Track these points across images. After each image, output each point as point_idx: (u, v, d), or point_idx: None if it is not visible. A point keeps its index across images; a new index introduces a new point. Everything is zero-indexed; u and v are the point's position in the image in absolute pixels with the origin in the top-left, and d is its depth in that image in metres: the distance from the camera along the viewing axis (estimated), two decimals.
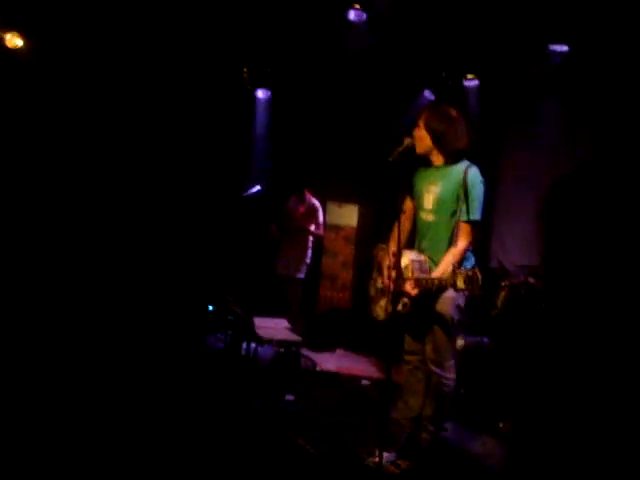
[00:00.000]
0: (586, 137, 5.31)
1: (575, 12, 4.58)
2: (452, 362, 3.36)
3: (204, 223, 6.17)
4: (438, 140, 3.26)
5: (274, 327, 4.29)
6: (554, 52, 5.07)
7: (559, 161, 5.33)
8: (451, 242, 3.26)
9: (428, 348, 3.34)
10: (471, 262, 3.29)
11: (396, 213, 3.38)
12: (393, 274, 3.17)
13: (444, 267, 3.14)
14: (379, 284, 3.48)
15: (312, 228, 6.04)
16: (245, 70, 6.35)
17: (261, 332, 4.05)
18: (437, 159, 3.32)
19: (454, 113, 3.27)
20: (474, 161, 3.34)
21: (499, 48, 5.34)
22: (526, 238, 5.27)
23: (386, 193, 3.43)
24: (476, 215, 3.19)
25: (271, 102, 6.64)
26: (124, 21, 5.25)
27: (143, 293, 5.30)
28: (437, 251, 3.30)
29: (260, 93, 6.56)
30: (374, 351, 5.34)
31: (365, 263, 7.29)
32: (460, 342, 4.13)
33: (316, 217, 6.07)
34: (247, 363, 4.43)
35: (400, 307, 3.24)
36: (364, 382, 4.69)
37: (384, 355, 3.31)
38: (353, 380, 4.72)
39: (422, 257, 3.32)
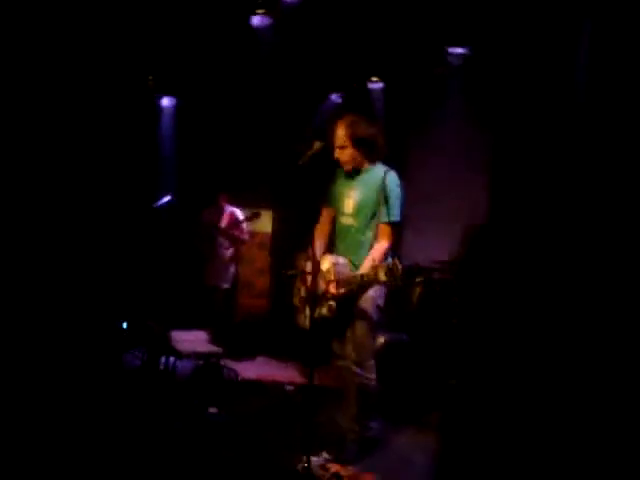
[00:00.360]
0: (487, 136, 5.56)
1: (474, 15, 4.78)
2: (372, 362, 3.44)
3: (114, 236, 5.92)
4: (367, 148, 3.38)
5: (193, 340, 4.18)
6: (454, 54, 5.27)
7: (462, 160, 5.56)
8: (371, 244, 3.36)
9: (348, 348, 3.40)
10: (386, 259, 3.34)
11: (313, 219, 3.44)
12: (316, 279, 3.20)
13: (367, 264, 3.23)
14: (303, 293, 3.49)
15: (238, 235, 6.02)
16: (150, 78, 6.17)
17: (179, 346, 3.93)
18: (360, 165, 3.43)
19: (370, 121, 3.45)
20: (388, 164, 3.46)
21: (402, 51, 5.48)
22: (439, 236, 5.43)
23: (299, 198, 3.46)
24: (396, 217, 3.33)
25: (177, 109, 6.48)
26: (25, 22, 4.95)
27: (47, 311, 5.00)
28: (358, 254, 3.39)
29: (165, 100, 6.40)
30: (295, 356, 5.32)
31: (281, 269, 7.35)
32: (380, 340, 4.21)
33: (239, 225, 6.01)
34: (166, 379, 4.29)
35: (325, 311, 3.29)
36: (288, 387, 4.66)
37: (307, 359, 3.33)
38: (277, 386, 4.68)
39: (342, 260, 3.40)
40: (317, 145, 3.25)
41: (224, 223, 5.99)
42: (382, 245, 3.31)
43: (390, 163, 3.53)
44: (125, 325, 4.79)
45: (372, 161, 3.44)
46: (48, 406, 3.77)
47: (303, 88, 6.42)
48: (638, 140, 3.69)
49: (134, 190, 6.06)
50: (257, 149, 6.99)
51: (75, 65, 5.48)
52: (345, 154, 3.41)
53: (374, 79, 6.05)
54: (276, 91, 6.41)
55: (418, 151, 6.07)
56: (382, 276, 2.98)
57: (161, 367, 4.34)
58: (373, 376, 3.42)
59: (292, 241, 6.32)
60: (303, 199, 4.75)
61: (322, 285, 3.33)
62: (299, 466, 3.15)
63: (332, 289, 3.26)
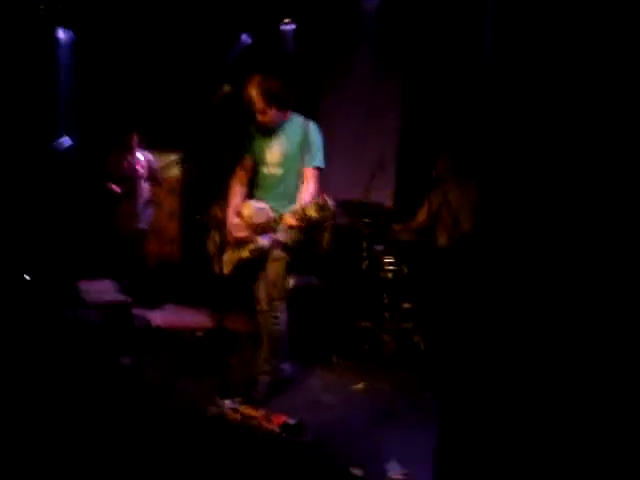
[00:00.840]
0: (397, 80, 5.64)
1: None
2: (283, 303, 3.53)
3: (10, 182, 5.54)
4: (282, 103, 3.45)
5: (100, 290, 4.06)
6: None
7: (373, 102, 5.61)
8: (294, 192, 3.46)
9: (261, 286, 3.48)
10: None
11: (223, 163, 3.44)
12: (237, 221, 3.41)
13: (297, 205, 3.31)
14: (217, 239, 3.50)
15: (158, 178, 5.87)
16: (42, 7, 5.68)
17: (86, 296, 3.82)
18: (280, 119, 3.49)
19: (274, 75, 3.47)
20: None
21: None
22: (346, 176, 5.47)
23: (209, 142, 3.43)
24: (321, 162, 3.47)
25: (75, 43, 6.04)
26: None
27: None
28: (282, 201, 3.47)
29: (61, 33, 5.93)
30: (205, 303, 5.29)
31: (191, 214, 7.21)
32: (291, 282, 4.27)
33: (151, 166, 5.82)
34: (75, 329, 4.16)
35: (247, 253, 3.39)
36: (198, 333, 4.66)
37: (218, 304, 3.36)
38: (187, 333, 4.67)
39: (264, 205, 3.46)
40: (226, 88, 3.23)
41: (142, 165, 5.75)
42: (312, 188, 3.41)
43: (301, 108, 3.59)
44: (28, 277, 4.55)
45: (287, 112, 3.52)
46: None
47: (214, 27, 6.18)
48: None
49: (30, 131, 5.67)
50: (166, 88, 6.70)
51: None
52: (268, 116, 3.46)
53: (286, 20, 5.90)
54: (188, 30, 6.15)
55: (329, 96, 6.06)
56: (313, 213, 3.07)
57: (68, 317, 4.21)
58: (283, 315, 3.52)
59: (202, 185, 6.25)
60: (213, 143, 4.66)
61: (240, 232, 3.41)
62: (211, 410, 3.21)
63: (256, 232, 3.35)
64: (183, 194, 7.44)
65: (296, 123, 3.52)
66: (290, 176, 3.51)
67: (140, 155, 5.81)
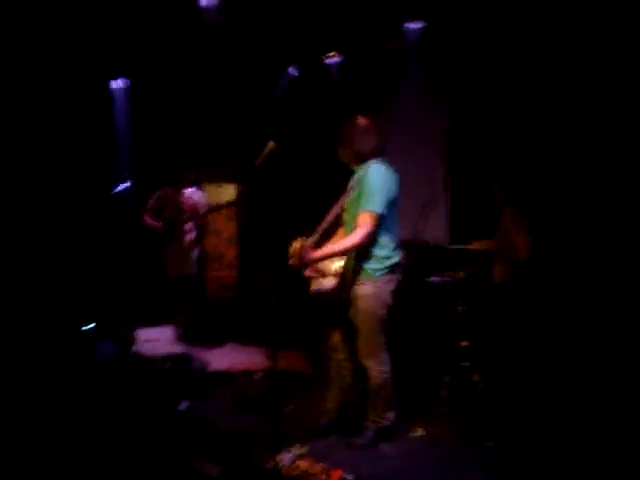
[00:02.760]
0: (443, 106, 5.57)
1: None
2: (385, 355, 3.54)
3: (75, 230, 5.77)
4: (345, 147, 3.56)
5: (159, 339, 4.17)
6: (409, 29, 5.20)
7: (419, 133, 5.55)
8: None
9: (359, 343, 3.53)
10: (385, 251, 3.47)
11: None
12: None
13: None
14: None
15: (201, 220, 5.85)
16: (100, 59, 5.91)
17: (144, 348, 3.93)
18: (353, 164, 3.59)
19: (361, 121, 3.55)
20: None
21: (359, 26, 5.38)
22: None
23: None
24: (370, 206, 3.38)
25: (131, 91, 6.27)
26: None
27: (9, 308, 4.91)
28: None
29: (117, 83, 6.17)
30: (262, 340, 5.34)
31: (248, 239, 7.38)
32: None
33: (201, 207, 5.79)
34: (136, 373, 4.28)
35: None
36: (256, 376, 4.69)
37: (272, 343, 3.36)
38: (246, 376, 4.70)
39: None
40: (270, 145, 3.24)
41: (187, 207, 5.72)
42: (352, 234, 3.41)
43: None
44: (92, 327, 4.72)
45: (363, 160, 3.54)
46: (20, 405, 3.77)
47: (261, 62, 6.29)
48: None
49: (92, 179, 5.90)
50: (217, 124, 6.89)
51: (23, 54, 5.25)
52: (339, 152, 3.61)
53: (331, 54, 5.94)
54: (234, 67, 6.28)
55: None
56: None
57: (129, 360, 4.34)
58: (386, 368, 3.53)
59: (258, 212, 6.37)
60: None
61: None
62: (268, 464, 3.22)
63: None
64: (240, 221, 7.62)
65: (364, 171, 3.51)
66: (350, 223, 3.51)
67: (188, 195, 5.79)
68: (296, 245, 3.48)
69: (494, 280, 4.50)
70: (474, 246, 4.44)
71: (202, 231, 6.12)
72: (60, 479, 3.12)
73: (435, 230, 4.97)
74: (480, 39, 4.88)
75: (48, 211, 5.57)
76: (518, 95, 4.63)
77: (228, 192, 7.62)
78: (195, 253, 5.87)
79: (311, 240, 3.49)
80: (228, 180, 7.57)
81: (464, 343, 4.32)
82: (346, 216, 3.58)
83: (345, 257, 3.51)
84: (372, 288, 3.46)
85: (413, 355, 4.44)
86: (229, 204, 7.21)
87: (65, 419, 3.74)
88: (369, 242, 3.42)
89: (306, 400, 4.25)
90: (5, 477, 3.08)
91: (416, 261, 4.57)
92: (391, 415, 3.61)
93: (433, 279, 4.68)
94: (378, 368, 3.52)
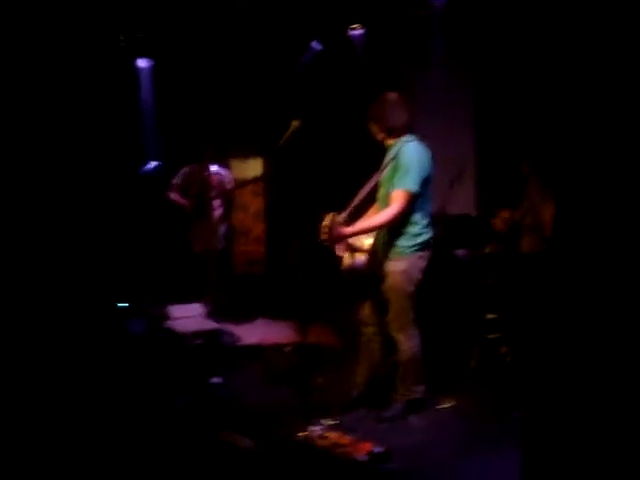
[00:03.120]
0: (469, 77, 5.48)
1: None
2: (414, 330, 3.59)
3: (106, 210, 5.88)
4: (376, 123, 3.57)
5: (189, 315, 4.26)
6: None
7: (445, 106, 5.47)
8: None
9: (389, 317, 3.59)
10: (417, 228, 3.50)
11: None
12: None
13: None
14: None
15: (226, 196, 5.89)
16: (122, 38, 5.95)
17: (176, 325, 4.02)
18: (384, 139, 3.60)
19: (391, 97, 3.59)
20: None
21: None
22: None
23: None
24: (404, 185, 3.39)
25: (154, 71, 6.29)
26: None
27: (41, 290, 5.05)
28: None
29: (141, 62, 6.19)
30: (291, 315, 5.42)
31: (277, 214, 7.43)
32: None
33: (225, 184, 5.85)
34: (169, 350, 4.39)
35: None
36: (287, 349, 4.76)
37: (301, 316, 3.42)
38: (276, 349, 4.79)
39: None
40: (294, 124, 3.25)
41: (214, 183, 5.78)
42: (389, 209, 3.43)
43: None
44: (124, 305, 4.84)
45: (396, 136, 3.55)
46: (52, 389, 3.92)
47: (283, 36, 6.24)
48: None
49: (121, 159, 5.98)
50: (241, 100, 6.89)
51: (49, 32, 5.30)
52: (371, 129, 3.62)
53: (354, 26, 5.86)
54: (256, 41, 6.25)
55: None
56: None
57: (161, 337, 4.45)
58: (415, 342, 3.58)
59: (285, 188, 6.40)
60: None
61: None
62: (299, 436, 3.29)
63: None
64: (267, 196, 7.65)
65: (396, 147, 3.53)
66: (385, 197, 3.53)
67: (214, 171, 5.83)
68: (327, 220, 3.48)
69: (522, 251, 4.47)
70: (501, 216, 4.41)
71: (229, 206, 6.18)
72: (95, 454, 3.24)
73: (463, 204, 4.93)
74: (506, 10, 4.76)
75: (79, 192, 5.67)
76: (544, 68, 4.52)
77: (254, 167, 7.65)
78: (222, 229, 5.93)
79: (342, 216, 3.51)
80: (254, 155, 7.59)
81: (491, 315, 4.33)
82: (380, 192, 3.60)
83: (376, 233, 3.55)
84: (403, 265, 3.49)
85: (441, 328, 4.46)
86: (256, 179, 7.22)
87: (101, 394, 3.88)
88: (402, 219, 3.44)
89: (335, 373, 4.32)
90: (40, 449, 3.21)
91: (444, 234, 4.54)
92: (420, 388, 3.65)
93: (461, 252, 4.70)
94: (407, 342, 3.57)
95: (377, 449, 3.13)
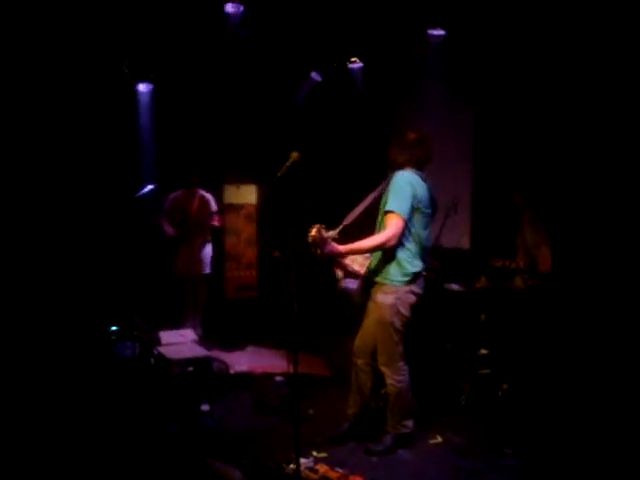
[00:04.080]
0: (467, 112, 5.57)
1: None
2: (401, 364, 3.57)
3: (100, 232, 5.87)
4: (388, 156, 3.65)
5: (181, 342, 4.22)
6: (432, 35, 5.20)
7: (442, 138, 5.54)
8: None
9: (377, 350, 3.59)
10: (407, 257, 3.50)
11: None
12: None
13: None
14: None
15: (209, 221, 5.85)
16: (125, 63, 6.01)
17: (168, 351, 3.99)
18: (388, 170, 3.64)
19: (401, 134, 3.64)
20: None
21: (381, 31, 5.40)
22: None
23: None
24: (391, 206, 3.43)
25: (154, 95, 6.35)
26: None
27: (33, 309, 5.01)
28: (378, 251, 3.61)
29: (142, 87, 6.26)
30: (282, 343, 5.38)
31: (268, 240, 7.44)
32: None
33: (209, 208, 5.87)
34: (157, 375, 4.34)
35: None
36: (278, 379, 4.74)
37: (293, 345, 3.38)
38: (267, 378, 4.75)
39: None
40: (294, 156, 3.25)
41: (194, 208, 5.82)
42: (378, 234, 3.48)
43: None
44: (115, 328, 4.80)
45: (393, 170, 3.58)
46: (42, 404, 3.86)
47: (283, 67, 6.34)
48: None
49: (116, 182, 5.99)
50: (239, 128, 6.95)
51: (52, 55, 5.36)
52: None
53: (353, 59, 5.96)
54: (257, 72, 6.33)
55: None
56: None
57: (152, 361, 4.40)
58: (402, 378, 3.57)
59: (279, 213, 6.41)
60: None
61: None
62: (288, 468, 3.26)
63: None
64: (260, 222, 7.67)
65: (392, 178, 3.57)
66: (379, 226, 3.58)
67: (199, 195, 5.88)
68: (314, 231, 3.39)
69: (514, 288, 4.49)
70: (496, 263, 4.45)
71: (218, 231, 6.17)
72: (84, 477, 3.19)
73: (457, 237, 4.97)
74: (503, 47, 4.87)
75: (73, 213, 5.67)
76: (540, 103, 4.63)
77: (248, 194, 7.68)
78: (208, 253, 5.94)
79: (333, 232, 3.50)
80: (248, 182, 7.64)
81: (484, 351, 4.33)
82: (377, 220, 3.65)
83: (370, 259, 3.60)
84: (391, 298, 3.50)
85: (432, 362, 4.45)
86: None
87: (88, 419, 3.83)
88: (394, 245, 3.45)
89: (325, 404, 4.28)
90: (31, 474, 3.16)
91: (437, 267, 4.56)
92: (409, 423, 3.63)
93: (453, 286, 4.71)
94: (394, 376, 3.56)
95: None
